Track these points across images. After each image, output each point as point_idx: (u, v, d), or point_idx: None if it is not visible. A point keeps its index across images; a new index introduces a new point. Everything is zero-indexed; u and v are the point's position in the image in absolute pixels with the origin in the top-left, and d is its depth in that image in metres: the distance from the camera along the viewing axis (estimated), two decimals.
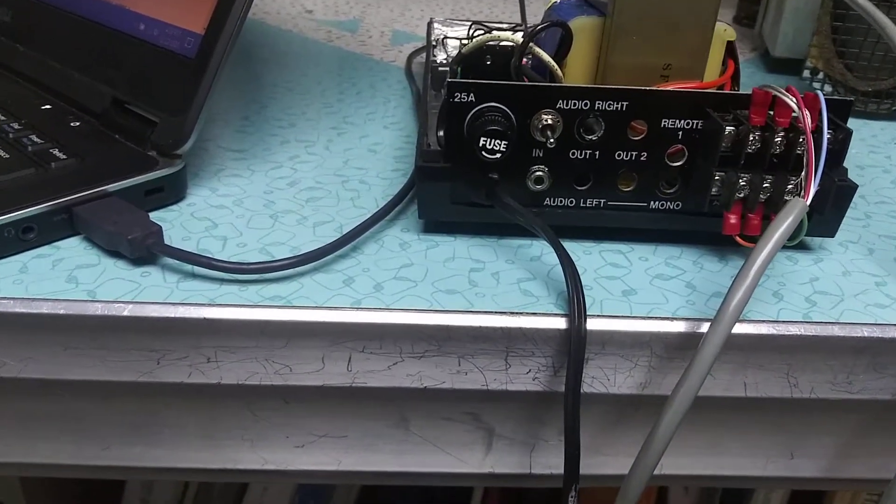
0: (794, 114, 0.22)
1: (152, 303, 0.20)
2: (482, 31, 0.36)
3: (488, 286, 0.22)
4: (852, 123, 0.25)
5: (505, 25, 0.40)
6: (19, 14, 0.34)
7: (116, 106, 0.28)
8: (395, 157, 0.31)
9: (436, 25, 0.41)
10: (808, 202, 0.21)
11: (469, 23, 0.41)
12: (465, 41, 0.37)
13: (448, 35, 0.40)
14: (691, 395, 0.19)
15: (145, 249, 0.22)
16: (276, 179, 0.28)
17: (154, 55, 0.28)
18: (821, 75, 0.39)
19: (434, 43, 0.39)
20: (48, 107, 0.30)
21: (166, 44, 0.27)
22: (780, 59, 0.45)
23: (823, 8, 0.38)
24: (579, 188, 0.24)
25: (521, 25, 0.38)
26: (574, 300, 0.20)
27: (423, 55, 0.43)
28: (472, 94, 0.23)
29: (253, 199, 0.26)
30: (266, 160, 0.30)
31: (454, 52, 0.38)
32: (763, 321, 0.21)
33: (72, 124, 0.28)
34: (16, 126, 0.27)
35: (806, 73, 0.39)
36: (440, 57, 0.37)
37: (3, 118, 0.28)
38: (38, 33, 0.33)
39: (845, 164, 0.24)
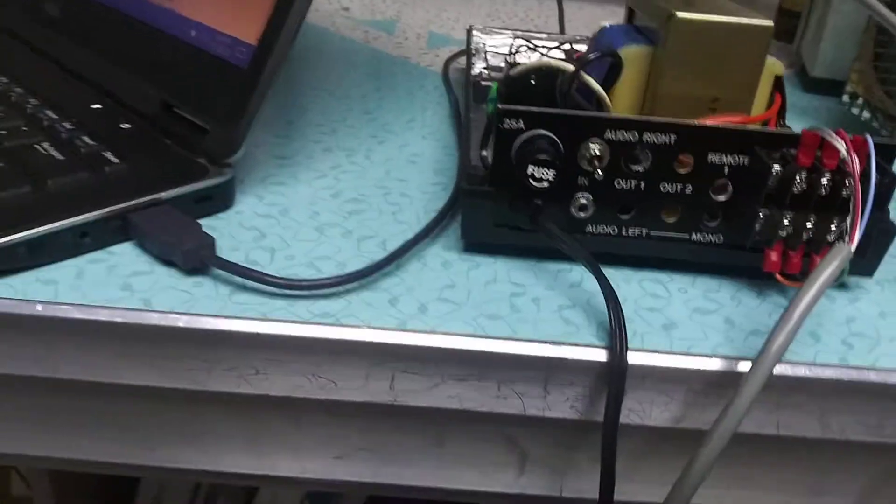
0: (841, 156, 0.22)
1: (206, 315, 0.21)
2: (526, 47, 0.36)
3: (529, 312, 0.23)
4: None
5: (544, 35, 0.40)
6: (68, 9, 0.35)
7: (166, 110, 0.28)
8: (434, 170, 0.31)
9: (475, 33, 0.41)
10: (853, 248, 0.21)
11: (508, 32, 0.41)
12: (509, 57, 0.37)
13: (488, 45, 0.40)
14: (728, 434, 0.19)
15: (199, 261, 0.22)
16: (319, 190, 0.28)
17: (205, 61, 0.28)
18: (860, 101, 0.39)
19: (473, 51, 0.39)
20: (98, 106, 0.30)
21: (217, 51, 0.28)
22: (817, 78, 0.44)
23: (867, 34, 0.38)
24: (622, 217, 0.24)
25: (565, 41, 0.38)
26: (617, 334, 0.21)
27: (461, 61, 0.43)
28: (521, 121, 0.23)
29: (298, 209, 0.27)
30: (309, 168, 0.30)
31: (494, 62, 0.38)
32: (800, 363, 0.21)
33: (122, 126, 0.29)
34: (68, 126, 0.28)
35: (845, 98, 0.39)
36: (478, 66, 0.37)
37: (55, 116, 0.28)
38: (87, 30, 0.33)
39: None
